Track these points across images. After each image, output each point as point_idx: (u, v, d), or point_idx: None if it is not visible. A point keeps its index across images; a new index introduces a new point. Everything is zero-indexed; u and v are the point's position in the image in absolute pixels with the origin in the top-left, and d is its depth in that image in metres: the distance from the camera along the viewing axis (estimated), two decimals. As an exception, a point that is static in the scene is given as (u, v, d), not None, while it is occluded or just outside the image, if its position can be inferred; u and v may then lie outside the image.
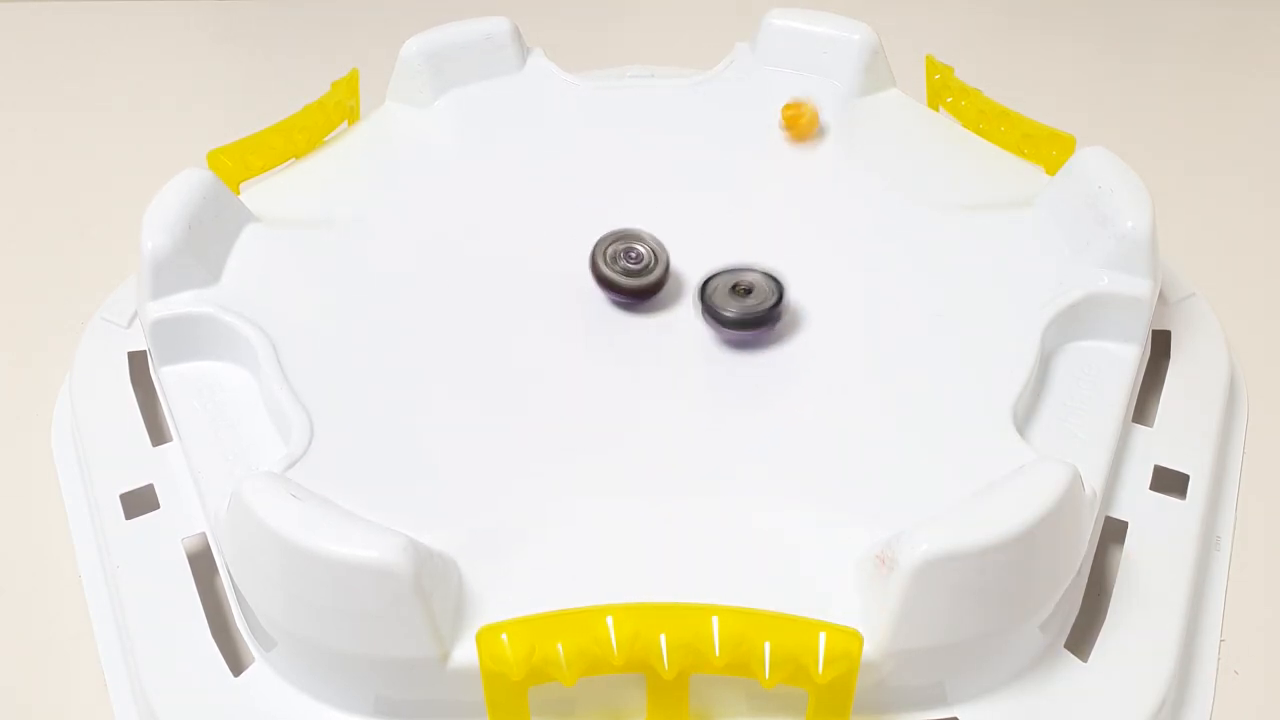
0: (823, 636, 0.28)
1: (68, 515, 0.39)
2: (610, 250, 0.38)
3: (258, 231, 0.40)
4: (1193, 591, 0.34)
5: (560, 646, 0.28)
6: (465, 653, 0.29)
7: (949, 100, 0.47)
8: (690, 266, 0.39)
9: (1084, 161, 0.40)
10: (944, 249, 0.40)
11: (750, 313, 0.37)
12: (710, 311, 0.37)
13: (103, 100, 0.61)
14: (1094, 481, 0.34)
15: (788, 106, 0.44)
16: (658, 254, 0.38)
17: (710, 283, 0.37)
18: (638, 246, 0.38)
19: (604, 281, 0.38)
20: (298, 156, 0.44)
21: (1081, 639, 0.33)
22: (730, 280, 0.37)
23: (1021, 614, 0.30)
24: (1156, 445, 0.38)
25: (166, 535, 0.35)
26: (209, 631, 0.33)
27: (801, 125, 0.44)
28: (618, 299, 0.38)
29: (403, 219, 0.42)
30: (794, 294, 0.38)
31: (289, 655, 0.31)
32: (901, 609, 0.29)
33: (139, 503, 0.36)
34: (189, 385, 0.37)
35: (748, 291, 0.37)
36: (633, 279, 0.38)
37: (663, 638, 0.28)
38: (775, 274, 0.37)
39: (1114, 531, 0.35)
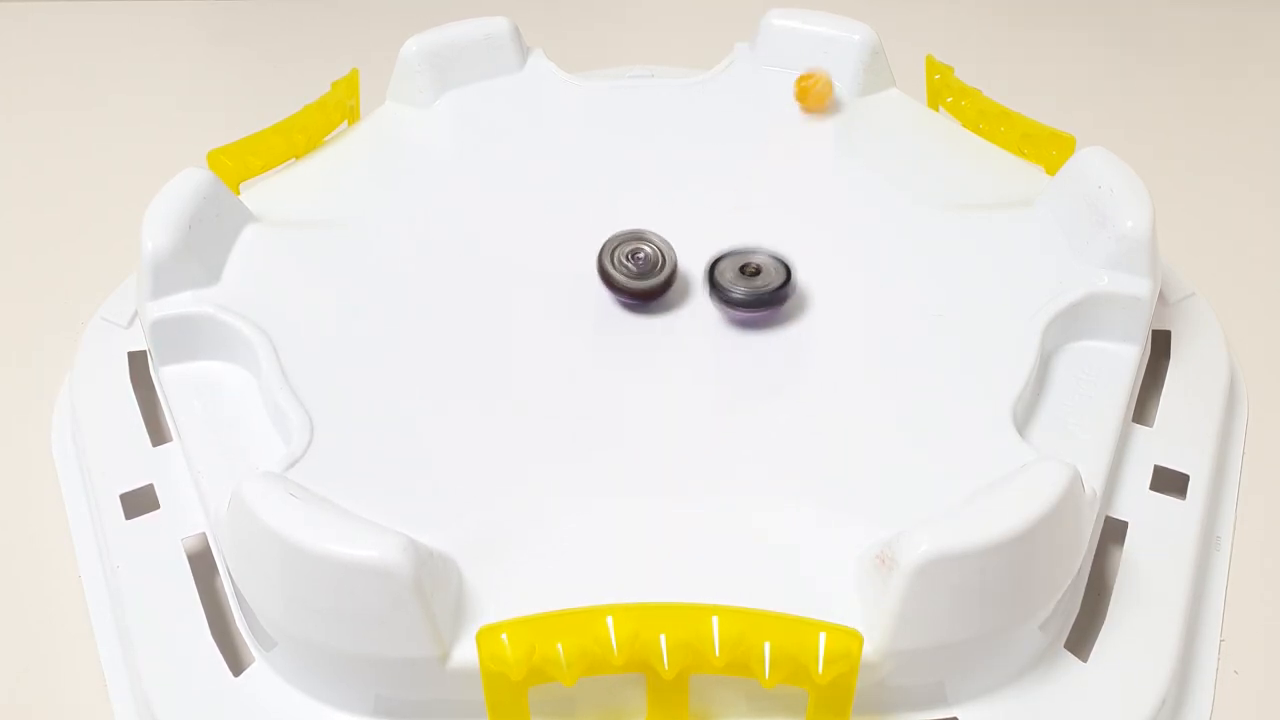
0: (823, 636, 0.28)
1: (68, 515, 0.38)
2: (617, 252, 0.38)
3: (258, 231, 0.40)
4: (1193, 591, 0.34)
5: (560, 646, 0.28)
6: (465, 653, 0.29)
7: (949, 100, 0.47)
8: (692, 267, 0.39)
9: (1084, 161, 0.40)
10: (944, 248, 0.40)
11: (758, 293, 0.37)
12: (719, 292, 0.37)
13: (103, 100, 0.61)
14: (1094, 481, 0.34)
15: (801, 77, 0.45)
16: (665, 254, 0.38)
17: (718, 264, 0.37)
18: (644, 248, 0.38)
19: (611, 284, 0.38)
20: (297, 156, 0.44)
21: (1081, 639, 0.33)
22: (738, 261, 0.37)
23: (1021, 614, 0.30)
24: (1156, 445, 0.38)
25: (166, 535, 0.35)
26: (209, 631, 0.33)
27: (813, 96, 0.45)
28: (625, 300, 0.38)
29: (403, 219, 0.42)
30: (794, 295, 0.38)
31: (289, 655, 0.31)
32: (901, 609, 0.29)
33: (139, 503, 0.36)
34: (189, 385, 0.37)
35: (756, 272, 0.37)
36: (640, 280, 0.38)
37: (663, 638, 0.28)
38: (782, 256, 0.37)
39: (1114, 531, 0.35)
